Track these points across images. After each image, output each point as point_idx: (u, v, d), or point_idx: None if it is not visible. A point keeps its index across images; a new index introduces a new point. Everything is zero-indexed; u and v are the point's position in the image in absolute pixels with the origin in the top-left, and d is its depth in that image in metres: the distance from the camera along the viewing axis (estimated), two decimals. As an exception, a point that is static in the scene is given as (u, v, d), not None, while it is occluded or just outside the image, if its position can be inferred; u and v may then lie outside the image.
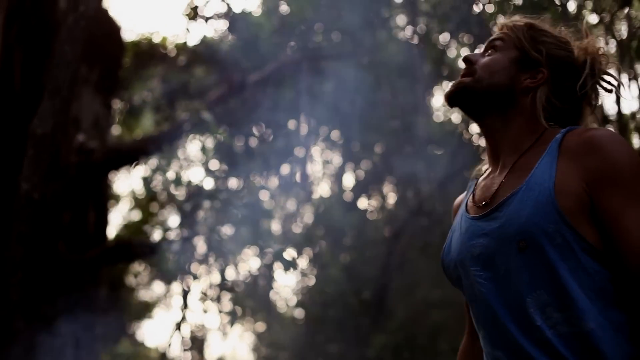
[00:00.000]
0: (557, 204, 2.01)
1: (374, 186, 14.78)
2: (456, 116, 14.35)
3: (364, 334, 12.65)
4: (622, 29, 9.35)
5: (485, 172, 2.38)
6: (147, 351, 16.82)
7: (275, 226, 12.95)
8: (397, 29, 10.54)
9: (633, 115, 9.38)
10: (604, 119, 9.59)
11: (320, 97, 9.96)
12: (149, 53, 10.63)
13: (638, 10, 8.65)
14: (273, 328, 16.41)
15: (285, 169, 12.28)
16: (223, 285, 10.69)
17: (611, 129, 9.60)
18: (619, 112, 9.00)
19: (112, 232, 11.70)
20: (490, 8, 9.87)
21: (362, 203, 14.88)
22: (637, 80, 9.56)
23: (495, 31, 2.36)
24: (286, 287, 16.08)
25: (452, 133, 13.17)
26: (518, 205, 2.06)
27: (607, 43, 9.95)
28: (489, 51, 2.31)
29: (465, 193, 2.45)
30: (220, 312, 13.58)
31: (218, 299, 12.49)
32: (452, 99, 2.29)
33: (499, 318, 2.06)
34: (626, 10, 8.55)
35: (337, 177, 14.54)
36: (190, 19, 9.64)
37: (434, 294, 12.77)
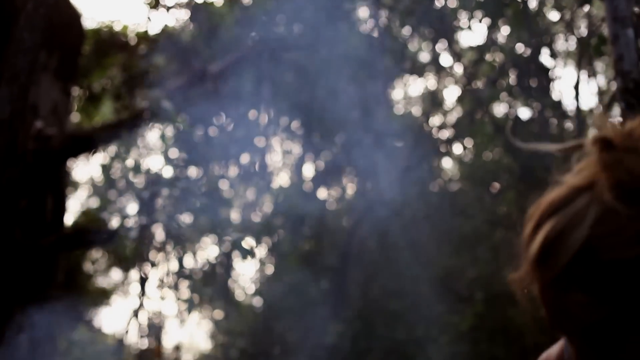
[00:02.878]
0: None
1: (334, 177, 14.85)
2: (416, 109, 14.47)
3: (322, 323, 12.71)
4: (582, 27, 9.47)
5: None
6: (104, 338, 16.76)
7: (235, 215, 12.97)
8: (359, 22, 10.58)
9: (591, 111, 9.51)
10: (563, 115, 9.72)
11: (281, 88, 9.98)
12: (110, 41, 10.56)
13: (598, 9, 8.76)
14: (231, 316, 16.40)
15: (245, 158, 12.31)
16: (181, 273, 10.72)
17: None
18: (578, 108, 9.13)
19: (70, 219, 11.65)
20: (452, 3, 9.95)
21: (322, 193, 14.94)
22: (595, 77, 9.70)
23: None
24: (244, 275, 16.13)
25: (412, 126, 13.28)
26: None
27: (567, 40, 10.10)
28: None
29: None
30: (177, 299, 13.59)
31: (176, 287, 12.50)
32: None
33: None
34: (586, 8, 8.66)
35: (297, 167, 14.58)
36: (151, 7, 9.60)
37: (391, 283, 12.86)
